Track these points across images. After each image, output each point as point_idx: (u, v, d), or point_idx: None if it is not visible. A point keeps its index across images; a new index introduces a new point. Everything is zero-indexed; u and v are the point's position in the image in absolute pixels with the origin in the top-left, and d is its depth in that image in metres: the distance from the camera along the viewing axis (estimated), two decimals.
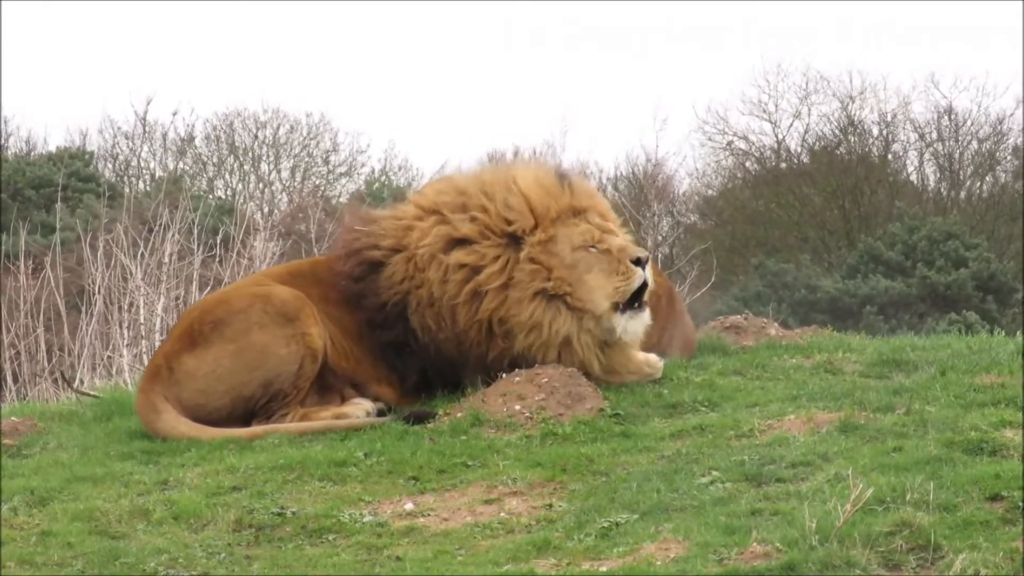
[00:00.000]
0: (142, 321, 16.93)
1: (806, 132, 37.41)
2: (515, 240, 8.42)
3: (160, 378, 8.37)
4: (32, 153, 35.97)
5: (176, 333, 8.63)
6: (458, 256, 8.40)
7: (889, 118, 36.68)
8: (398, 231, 8.58)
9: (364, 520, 6.76)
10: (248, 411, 8.32)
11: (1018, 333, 9.80)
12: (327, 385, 8.43)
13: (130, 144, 37.74)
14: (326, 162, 38.05)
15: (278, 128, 37.59)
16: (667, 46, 58.13)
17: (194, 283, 17.34)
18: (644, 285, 8.40)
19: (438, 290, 8.40)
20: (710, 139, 38.14)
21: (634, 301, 8.39)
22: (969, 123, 36.49)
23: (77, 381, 14.91)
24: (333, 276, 8.64)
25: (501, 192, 8.49)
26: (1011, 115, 35.95)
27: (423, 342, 8.44)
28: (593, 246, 8.42)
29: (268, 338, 8.32)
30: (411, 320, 8.44)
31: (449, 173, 9.11)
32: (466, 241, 8.44)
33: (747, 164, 38.09)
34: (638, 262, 8.39)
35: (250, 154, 37.28)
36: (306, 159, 37.80)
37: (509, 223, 8.43)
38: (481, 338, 8.37)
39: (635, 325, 8.43)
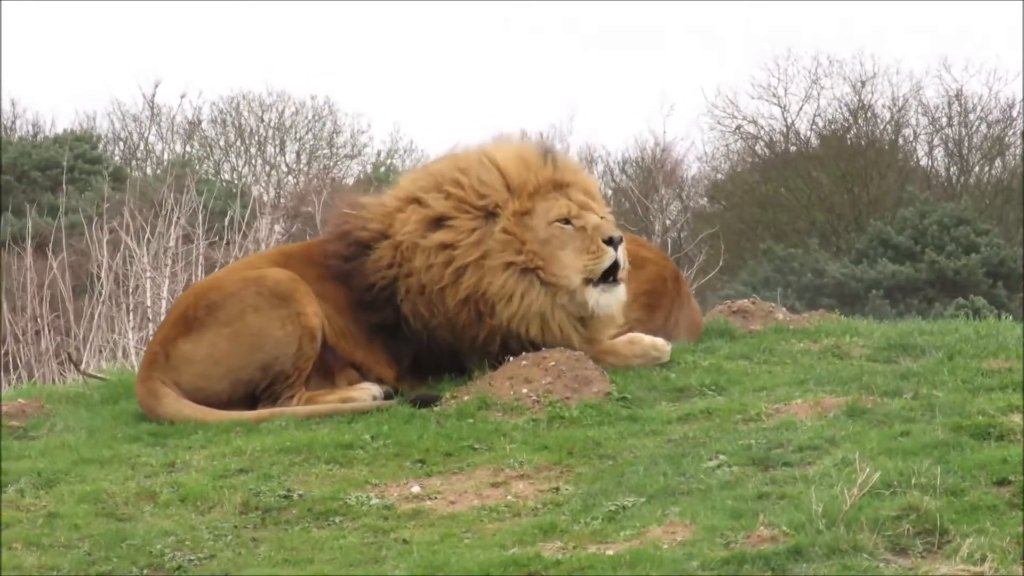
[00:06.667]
0: (148, 304, 16.94)
1: (816, 116, 37.39)
2: (491, 215, 8.41)
3: (157, 365, 8.35)
4: (39, 135, 36.01)
5: (171, 319, 8.61)
6: (437, 237, 8.39)
7: (900, 102, 36.64)
8: (384, 217, 8.57)
9: (371, 503, 6.76)
10: (248, 394, 8.30)
11: None
12: (329, 367, 8.41)
13: (138, 127, 37.77)
14: (330, 144, 38.05)
15: (283, 111, 37.60)
16: (672, 39, 58.11)
17: (200, 266, 17.35)
18: (615, 265, 8.36)
19: (425, 277, 8.39)
20: (719, 123, 38.13)
21: (607, 277, 8.37)
22: (979, 108, 36.45)
23: (84, 364, 14.92)
24: (324, 256, 8.64)
25: (475, 168, 8.49)
26: (1023, 100, 35.92)
27: (415, 328, 8.43)
28: (569, 221, 8.41)
29: (263, 321, 8.29)
30: (402, 307, 8.43)
31: (424, 163, 9.13)
32: (443, 219, 8.42)
33: (756, 148, 38.05)
34: (610, 242, 8.36)
35: (256, 137, 37.28)
36: (311, 142, 37.80)
37: (482, 196, 8.42)
38: (472, 319, 8.36)
39: (608, 299, 8.39)
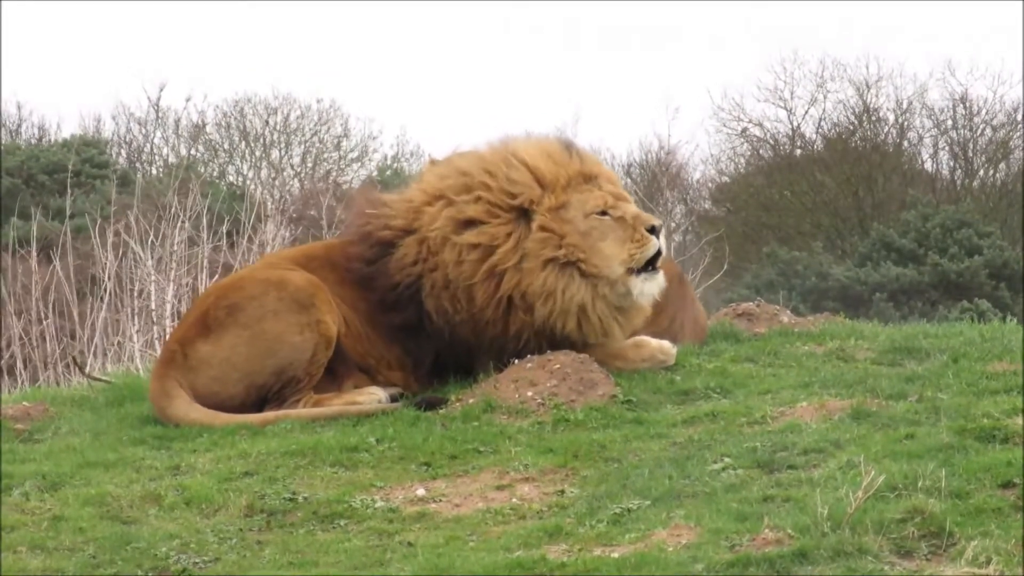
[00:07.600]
0: (153, 307, 16.95)
1: (821, 119, 37.37)
2: (523, 213, 8.41)
3: (175, 364, 8.35)
4: (44, 140, 36.04)
5: (190, 319, 8.60)
6: (469, 237, 8.38)
7: (905, 105, 36.61)
8: (408, 212, 8.56)
9: (376, 506, 6.76)
10: (261, 398, 8.31)
11: None
12: (337, 370, 8.41)
13: (143, 130, 37.80)
14: (337, 148, 38.04)
15: (288, 114, 37.58)
16: (676, 41, 58.15)
17: (204, 270, 17.36)
18: (658, 253, 8.42)
19: (453, 272, 8.38)
20: (725, 125, 38.11)
21: (648, 265, 8.41)
22: (984, 111, 36.42)
23: (88, 367, 14.93)
24: (346, 259, 8.62)
25: (502, 168, 8.47)
26: None
27: (437, 325, 8.42)
28: (606, 212, 8.42)
29: (282, 326, 8.29)
30: (425, 303, 8.42)
31: (448, 155, 9.03)
32: (475, 222, 8.42)
33: (761, 151, 38.04)
34: (652, 230, 8.41)
35: (261, 140, 37.28)
36: (317, 145, 37.78)
37: (514, 196, 8.41)
38: (498, 316, 8.35)
39: (651, 287, 8.44)
